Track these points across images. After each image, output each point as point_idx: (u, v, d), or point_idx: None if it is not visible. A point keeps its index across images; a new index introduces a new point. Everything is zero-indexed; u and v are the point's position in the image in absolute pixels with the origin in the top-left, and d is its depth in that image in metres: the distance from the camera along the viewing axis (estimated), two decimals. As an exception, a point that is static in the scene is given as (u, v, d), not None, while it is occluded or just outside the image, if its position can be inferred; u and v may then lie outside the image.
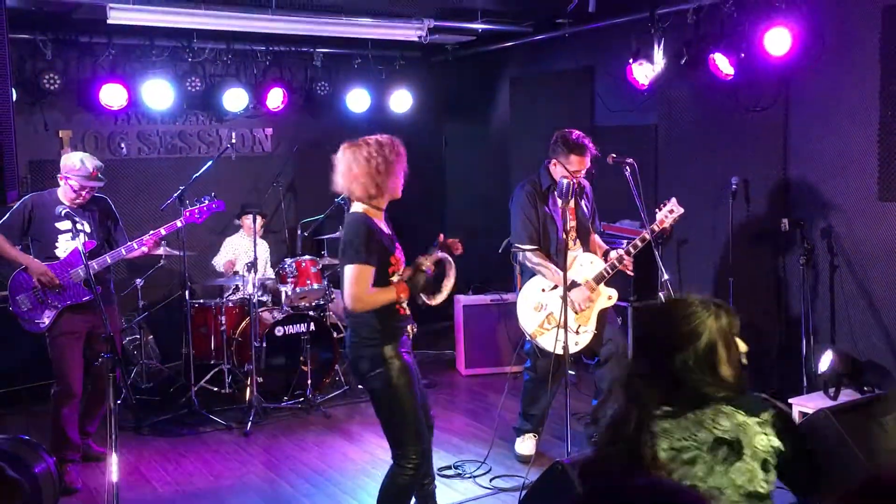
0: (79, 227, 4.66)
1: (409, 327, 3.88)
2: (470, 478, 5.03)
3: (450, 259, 3.98)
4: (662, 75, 6.23)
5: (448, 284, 4.01)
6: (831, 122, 5.61)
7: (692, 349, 2.27)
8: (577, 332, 4.97)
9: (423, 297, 3.92)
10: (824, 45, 5.49)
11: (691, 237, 6.65)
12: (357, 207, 3.78)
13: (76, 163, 4.88)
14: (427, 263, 3.83)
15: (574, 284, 4.92)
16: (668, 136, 6.78)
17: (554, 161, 4.99)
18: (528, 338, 5.05)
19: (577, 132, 5.00)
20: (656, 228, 4.96)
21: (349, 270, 3.61)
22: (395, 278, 3.78)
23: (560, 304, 4.73)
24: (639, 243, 4.92)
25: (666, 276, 4.88)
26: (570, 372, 4.95)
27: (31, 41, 6.73)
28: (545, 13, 6.97)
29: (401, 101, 8.26)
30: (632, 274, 5.04)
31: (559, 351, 4.62)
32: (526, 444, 5.33)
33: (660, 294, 4.98)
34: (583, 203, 5.22)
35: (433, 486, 4.16)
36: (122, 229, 5.28)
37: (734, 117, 6.15)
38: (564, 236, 4.76)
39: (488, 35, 7.57)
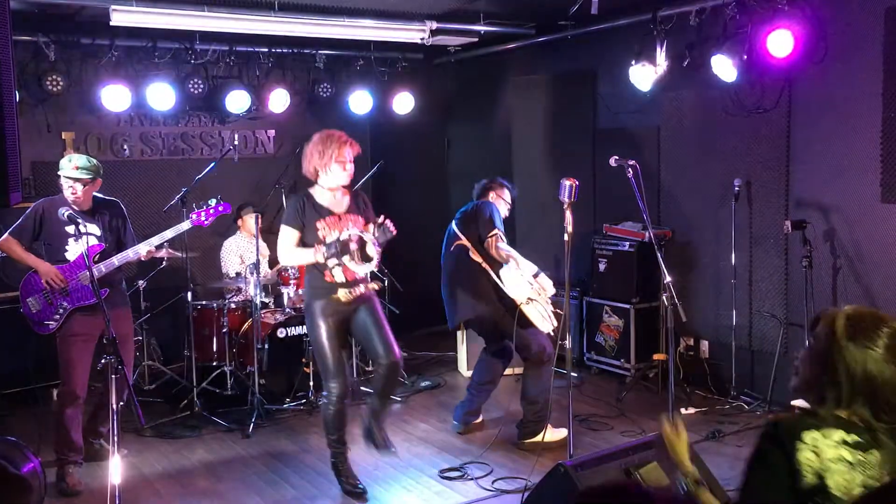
0: (81, 229, 4.69)
1: (340, 291, 4.67)
2: (472, 479, 5.02)
3: (374, 240, 4.64)
4: (665, 77, 6.23)
5: (368, 263, 4.70)
6: (834, 124, 5.60)
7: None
8: (554, 314, 5.42)
9: (348, 264, 4.62)
10: (827, 47, 5.48)
11: (693, 239, 6.65)
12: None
13: (64, 162, 4.96)
14: (344, 233, 4.62)
15: (539, 273, 5.43)
16: (670, 138, 6.77)
17: (492, 196, 5.75)
18: (525, 304, 5.33)
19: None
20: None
21: (280, 232, 4.69)
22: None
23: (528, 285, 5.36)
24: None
25: (668, 278, 4.88)
26: (573, 374, 4.96)
27: (35, 43, 6.73)
28: (548, 15, 6.97)
29: (403, 102, 8.26)
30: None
31: (542, 324, 5.32)
32: (559, 431, 5.41)
33: (662, 296, 4.98)
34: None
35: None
36: (132, 233, 5.27)
37: (737, 119, 6.15)
38: (567, 238, 4.78)
39: (491, 37, 7.57)
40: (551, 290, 5.47)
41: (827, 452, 2.02)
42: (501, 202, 5.76)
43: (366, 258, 4.70)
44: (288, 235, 4.66)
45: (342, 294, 4.68)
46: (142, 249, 5.07)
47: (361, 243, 4.67)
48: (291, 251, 4.68)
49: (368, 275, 4.86)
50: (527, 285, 5.35)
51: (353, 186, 7.04)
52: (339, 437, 4.85)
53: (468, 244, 5.54)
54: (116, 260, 5.00)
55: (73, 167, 4.92)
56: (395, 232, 4.66)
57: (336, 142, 4.68)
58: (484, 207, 5.60)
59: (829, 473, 2.01)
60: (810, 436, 2.04)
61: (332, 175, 4.67)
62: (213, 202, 5.35)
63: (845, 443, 2.03)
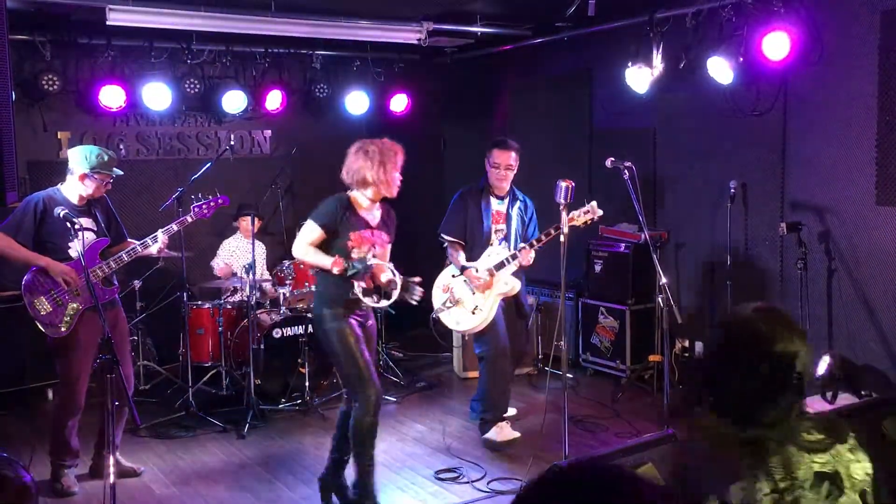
0: (78, 228, 4.48)
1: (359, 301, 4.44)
2: (467, 481, 5.02)
3: (395, 283, 4.49)
4: (661, 79, 6.24)
5: (383, 301, 4.52)
6: (829, 127, 5.62)
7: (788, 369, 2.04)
8: (473, 312, 5.46)
9: (363, 294, 4.42)
10: (823, 50, 5.50)
11: (689, 240, 6.66)
12: (349, 191, 4.52)
13: (102, 156, 4.78)
14: (367, 258, 4.38)
15: (464, 269, 5.50)
16: (666, 139, 6.78)
17: (487, 159, 5.62)
18: (435, 316, 5.64)
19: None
20: (560, 227, 5.05)
21: (305, 223, 4.46)
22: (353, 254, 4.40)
23: (462, 286, 5.51)
24: (543, 238, 5.34)
25: (664, 280, 4.89)
26: (568, 375, 4.96)
27: (31, 42, 6.72)
28: (544, 16, 6.97)
29: (400, 103, 8.27)
30: (526, 265, 5.46)
31: (456, 327, 5.58)
32: (506, 431, 5.49)
33: (658, 298, 4.99)
34: (515, 213, 5.66)
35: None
36: (122, 225, 5.19)
37: (732, 121, 6.16)
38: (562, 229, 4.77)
39: (487, 38, 7.58)
40: (502, 287, 5.49)
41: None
42: (491, 171, 5.59)
43: (380, 291, 4.50)
44: (312, 232, 4.41)
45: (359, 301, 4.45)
46: (153, 247, 4.97)
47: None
48: (309, 250, 4.42)
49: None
50: (441, 293, 5.58)
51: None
52: (372, 452, 4.53)
53: None
54: (126, 255, 4.88)
55: (114, 163, 4.85)
56: (417, 298, 4.57)
57: (398, 155, 4.47)
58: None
59: None
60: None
61: (385, 188, 4.43)
62: (210, 196, 5.39)
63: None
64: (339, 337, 4.38)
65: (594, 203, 5.30)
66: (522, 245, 5.42)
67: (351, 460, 4.58)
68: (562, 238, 4.63)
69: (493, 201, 5.63)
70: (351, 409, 4.51)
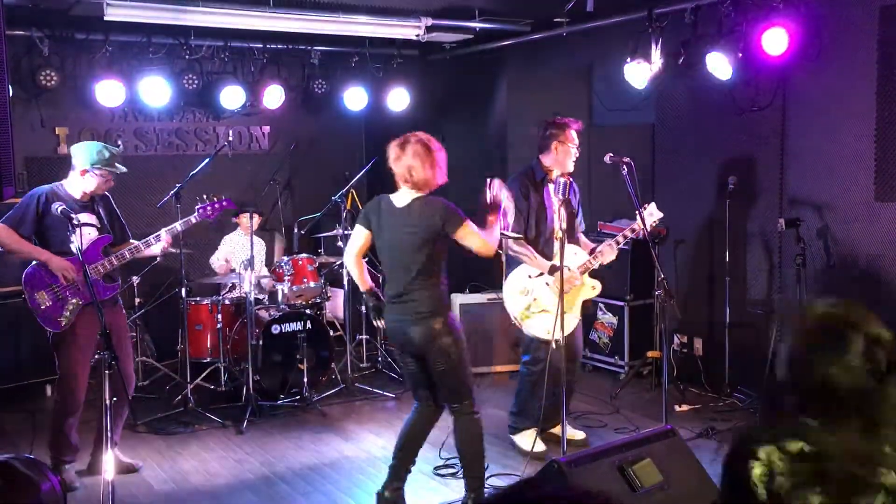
0: (76, 224, 4.44)
1: None
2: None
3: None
4: (660, 75, 6.23)
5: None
6: (828, 122, 5.61)
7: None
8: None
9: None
10: (822, 45, 5.49)
11: (688, 236, 6.66)
12: (412, 194, 4.23)
13: (103, 152, 4.77)
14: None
15: (555, 269, 4.97)
16: (665, 135, 6.78)
17: (554, 144, 5.14)
18: (517, 324, 5.13)
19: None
20: (637, 228, 5.15)
21: (469, 225, 4.21)
22: None
23: (545, 289, 5.01)
24: (628, 233, 5.13)
25: (662, 276, 4.89)
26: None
27: (28, 38, 6.71)
28: (543, 12, 6.96)
29: (398, 99, 8.25)
30: (606, 262, 5.22)
31: (546, 336, 4.91)
32: (534, 440, 5.22)
33: (656, 294, 4.98)
34: (572, 199, 5.31)
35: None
36: (125, 224, 5.20)
37: (731, 117, 6.15)
38: (558, 227, 4.70)
39: (486, 34, 7.56)
40: (589, 291, 5.23)
41: (781, 467, 1.84)
42: (566, 153, 5.15)
43: None
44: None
45: None
46: (157, 247, 5.00)
47: None
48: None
49: None
50: (521, 297, 5.10)
51: (347, 184, 7.12)
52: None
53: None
54: (128, 254, 4.90)
55: (117, 159, 4.82)
56: None
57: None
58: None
59: (783, 490, 1.83)
60: (765, 451, 1.87)
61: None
62: (215, 198, 5.41)
63: (802, 453, 1.86)
64: (459, 345, 4.31)
65: (654, 204, 5.16)
66: (608, 242, 5.10)
67: (461, 474, 4.52)
68: (559, 235, 4.62)
69: (550, 189, 5.18)
70: (422, 415, 4.44)
